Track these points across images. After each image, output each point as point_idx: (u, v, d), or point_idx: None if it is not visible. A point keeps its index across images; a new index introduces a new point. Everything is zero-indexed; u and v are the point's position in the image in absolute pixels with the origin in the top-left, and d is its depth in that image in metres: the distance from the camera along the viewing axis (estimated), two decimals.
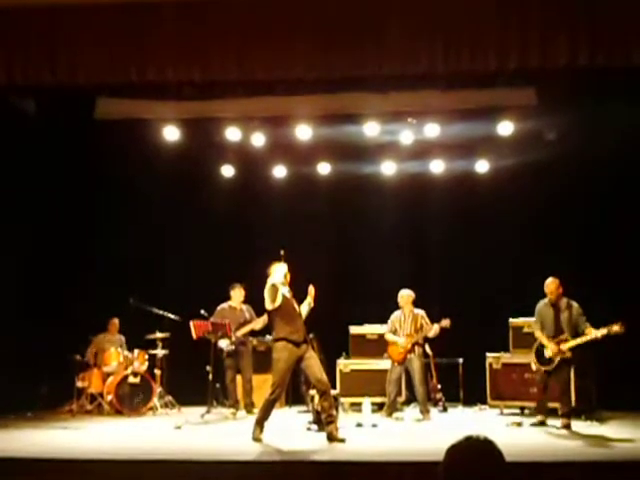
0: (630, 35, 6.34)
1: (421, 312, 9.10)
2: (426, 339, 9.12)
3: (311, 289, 7.38)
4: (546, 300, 8.10)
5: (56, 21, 6.84)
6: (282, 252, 7.21)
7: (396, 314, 9.18)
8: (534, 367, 8.10)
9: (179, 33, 6.78)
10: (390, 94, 7.89)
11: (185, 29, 6.77)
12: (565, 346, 7.76)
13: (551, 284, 8.04)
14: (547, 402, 8.10)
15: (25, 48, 6.87)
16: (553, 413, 8.01)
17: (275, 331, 7.15)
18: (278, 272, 7.15)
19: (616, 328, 7.43)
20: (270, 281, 7.09)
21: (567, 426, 7.60)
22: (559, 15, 6.46)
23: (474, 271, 10.22)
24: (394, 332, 9.07)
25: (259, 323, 9.23)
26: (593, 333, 7.60)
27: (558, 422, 7.76)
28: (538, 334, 8.06)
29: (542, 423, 7.92)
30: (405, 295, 9.12)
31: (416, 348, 8.92)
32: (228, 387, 9.54)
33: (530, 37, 6.44)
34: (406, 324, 9.03)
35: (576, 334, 7.79)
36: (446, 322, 8.79)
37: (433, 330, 8.90)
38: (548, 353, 7.87)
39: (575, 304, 7.93)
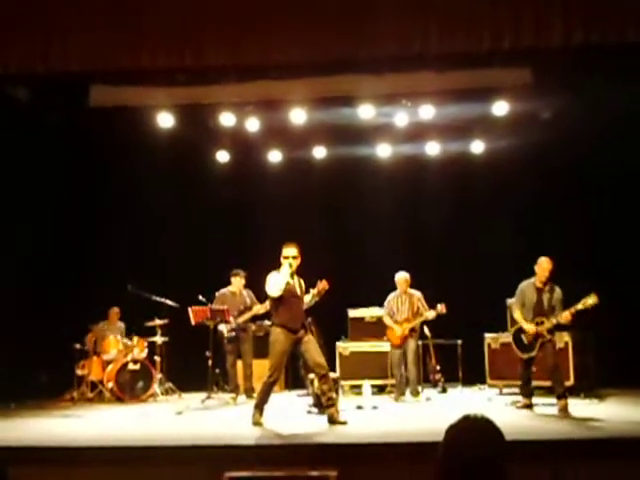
0: (624, 12, 6.31)
1: (418, 294, 9.11)
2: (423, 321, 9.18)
3: (324, 285, 7.21)
4: (533, 280, 7.81)
5: (48, 8, 6.79)
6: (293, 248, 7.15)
7: (392, 295, 9.21)
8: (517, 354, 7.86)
9: (171, 18, 6.73)
10: (384, 76, 7.84)
11: (177, 14, 6.73)
12: (543, 327, 7.53)
13: (545, 263, 7.72)
14: (530, 388, 7.92)
15: (17, 36, 6.82)
16: (551, 392, 7.99)
17: (274, 316, 7.16)
18: (285, 267, 7.05)
19: (591, 301, 7.19)
20: (274, 274, 7.07)
21: (564, 409, 7.34)
22: None
23: (471, 252, 10.24)
24: (392, 314, 9.11)
25: (262, 308, 9.18)
26: (568, 312, 7.34)
27: (554, 400, 7.62)
28: (517, 315, 7.85)
29: (528, 406, 7.79)
30: (402, 278, 9.12)
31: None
32: (229, 372, 9.57)
33: (524, 16, 6.41)
34: (404, 307, 9.07)
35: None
36: (442, 308, 8.83)
37: (430, 316, 8.96)
38: (527, 338, 7.66)
39: (558, 289, 7.65)
